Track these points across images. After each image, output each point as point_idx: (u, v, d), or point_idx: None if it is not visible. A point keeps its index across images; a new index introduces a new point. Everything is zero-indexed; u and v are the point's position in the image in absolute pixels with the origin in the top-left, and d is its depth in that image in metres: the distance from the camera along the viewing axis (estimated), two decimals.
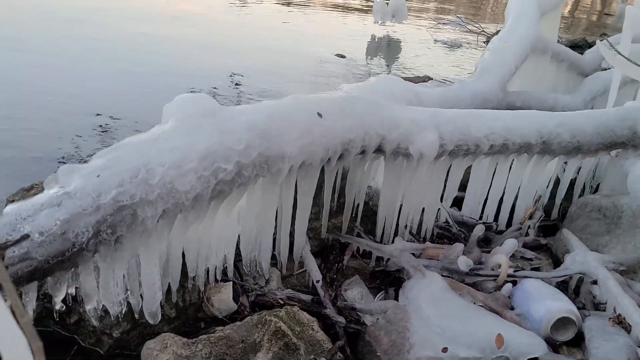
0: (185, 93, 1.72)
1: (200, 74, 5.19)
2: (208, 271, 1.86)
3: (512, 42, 3.20)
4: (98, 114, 3.80)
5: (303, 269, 2.11)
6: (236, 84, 4.97)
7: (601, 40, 2.88)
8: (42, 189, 1.51)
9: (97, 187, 1.41)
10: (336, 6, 10.90)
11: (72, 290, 1.58)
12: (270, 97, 4.51)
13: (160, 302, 1.68)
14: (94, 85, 4.42)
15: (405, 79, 3.23)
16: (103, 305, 1.57)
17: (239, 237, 1.92)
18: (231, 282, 1.93)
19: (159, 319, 1.69)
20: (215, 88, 4.75)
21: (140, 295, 1.64)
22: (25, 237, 1.31)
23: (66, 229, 1.34)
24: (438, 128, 2.01)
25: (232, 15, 8.90)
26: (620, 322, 1.74)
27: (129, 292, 1.62)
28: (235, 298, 1.92)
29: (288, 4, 10.29)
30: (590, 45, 6.52)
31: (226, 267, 1.93)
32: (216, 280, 1.91)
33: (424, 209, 2.28)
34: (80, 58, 5.17)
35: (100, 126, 3.64)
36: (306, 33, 7.82)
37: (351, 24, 9.36)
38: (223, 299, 1.90)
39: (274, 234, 1.97)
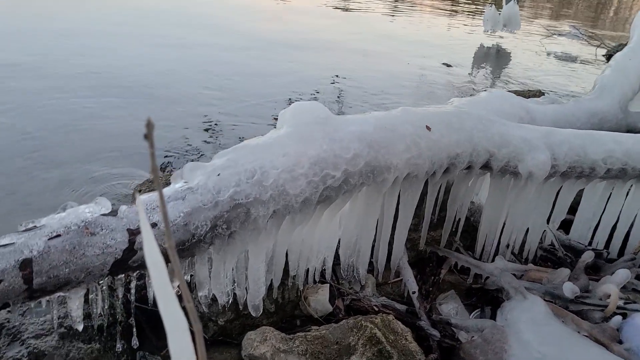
0: (300, 101, 1.79)
1: (305, 75, 5.34)
2: (308, 272, 1.94)
3: (637, 60, 3.01)
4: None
5: (399, 279, 2.13)
6: (339, 92, 5.07)
7: None
8: (167, 182, 1.66)
9: (217, 184, 1.52)
10: (443, 12, 10.72)
11: (187, 277, 1.72)
12: (373, 103, 4.57)
13: (263, 297, 1.78)
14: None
15: (516, 92, 3.14)
16: (213, 293, 1.69)
17: (339, 241, 1.98)
18: (328, 285, 2.00)
19: (261, 312, 1.79)
20: (317, 92, 4.87)
21: (246, 288, 1.75)
22: (154, 225, 1.44)
23: (188, 221, 1.47)
24: (551, 148, 1.95)
25: (336, 19, 9.04)
26: None
27: (236, 284, 1.73)
28: (331, 300, 1.98)
29: (394, 10, 10.28)
30: None
31: (324, 270, 2.00)
32: (314, 281, 1.99)
33: (528, 229, 2.21)
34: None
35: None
36: (410, 39, 7.78)
37: (458, 31, 9.18)
38: (320, 299, 1.96)
39: (373, 241, 2.01)
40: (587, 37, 8.76)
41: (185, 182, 1.56)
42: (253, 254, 1.67)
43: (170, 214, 1.46)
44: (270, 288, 1.85)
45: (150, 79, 4.65)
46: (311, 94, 4.75)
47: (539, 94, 3.60)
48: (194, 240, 1.49)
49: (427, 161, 1.81)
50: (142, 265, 1.48)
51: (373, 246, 2.03)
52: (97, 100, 4.00)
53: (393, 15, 9.69)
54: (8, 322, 1.59)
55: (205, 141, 3.56)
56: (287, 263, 1.86)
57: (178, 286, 0.47)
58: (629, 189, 2.21)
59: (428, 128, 1.81)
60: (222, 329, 1.82)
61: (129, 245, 1.41)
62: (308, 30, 7.51)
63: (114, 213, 1.45)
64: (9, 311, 1.61)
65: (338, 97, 4.83)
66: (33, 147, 3.15)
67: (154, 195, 1.53)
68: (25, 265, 1.30)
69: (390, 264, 2.09)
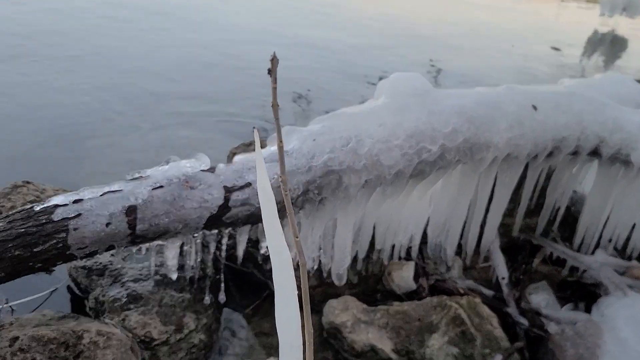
0: (399, 72, 1.76)
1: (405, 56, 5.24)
2: (394, 247, 1.92)
3: None
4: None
5: (487, 264, 2.06)
6: (436, 74, 4.94)
7: None
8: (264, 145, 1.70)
9: (312, 149, 1.53)
10: None
11: None
12: (472, 83, 4.42)
13: (347, 267, 1.78)
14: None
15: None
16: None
17: (428, 219, 1.94)
18: (413, 262, 1.97)
19: (344, 282, 1.79)
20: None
21: (331, 256, 1.76)
22: (248, 184, 1.49)
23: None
24: None
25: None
26: None
27: (322, 251, 1.75)
28: (415, 278, 1.95)
29: None
30: None
31: (411, 247, 1.97)
32: (399, 258, 1.96)
33: (634, 224, 2.05)
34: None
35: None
36: (518, 22, 7.39)
37: (571, 14, 8.60)
38: (403, 276, 1.94)
39: (464, 223, 1.95)
40: None
41: None
42: (341, 223, 1.67)
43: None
44: (355, 259, 1.85)
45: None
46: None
47: None
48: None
49: (529, 142, 1.72)
50: (235, 223, 1.53)
51: (463, 228, 1.97)
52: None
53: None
54: (111, 264, 1.71)
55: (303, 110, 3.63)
56: (373, 236, 1.85)
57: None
58: None
59: (534, 108, 1.71)
60: None
61: (224, 202, 1.46)
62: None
63: (212, 170, 1.50)
64: (112, 254, 1.73)
65: (435, 78, 4.71)
66: None
67: (250, 156, 1.57)
68: (131, 211, 1.38)
69: (480, 248, 2.02)
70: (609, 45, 6.93)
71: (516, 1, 8.97)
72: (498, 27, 7.25)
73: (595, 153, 1.82)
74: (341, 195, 1.58)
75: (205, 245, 1.68)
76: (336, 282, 1.79)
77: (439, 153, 1.61)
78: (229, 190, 1.47)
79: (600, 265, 1.86)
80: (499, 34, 6.71)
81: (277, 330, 0.48)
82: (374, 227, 1.82)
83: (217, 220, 1.49)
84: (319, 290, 1.86)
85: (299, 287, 0.48)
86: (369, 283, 1.95)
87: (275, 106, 0.44)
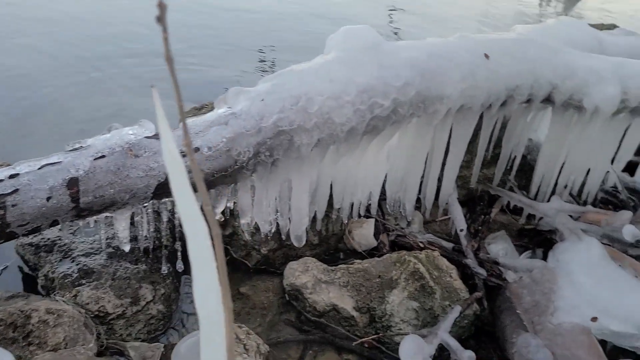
0: (350, 25, 1.70)
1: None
2: (353, 205, 1.90)
3: None
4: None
5: (447, 217, 2.07)
6: (394, 22, 4.87)
7: None
8: (212, 109, 1.63)
9: (261, 110, 1.48)
10: None
11: (230, 204, 1.72)
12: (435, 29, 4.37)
13: (306, 228, 1.76)
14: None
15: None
16: (255, 222, 1.68)
17: (386, 175, 1.92)
18: (373, 219, 1.96)
19: (304, 243, 1.78)
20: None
21: (289, 218, 1.73)
22: (196, 150, 1.43)
23: (230, 146, 1.44)
24: (622, 80, 1.78)
25: None
26: None
27: (279, 213, 1.71)
28: (376, 235, 1.95)
29: None
30: None
31: (370, 204, 1.96)
32: (359, 216, 1.95)
33: (589, 170, 2.08)
34: None
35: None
36: None
37: None
38: (364, 234, 1.93)
39: (422, 177, 1.94)
40: None
41: (229, 108, 1.52)
42: (296, 183, 1.64)
43: (212, 139, 1.44)
44: (314, 220, 1.83)
45: None
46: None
47: (613, 27, 3.31)
48: (237, 166, 1.47)
49: (483, 93, 1.70)
50: None
51: (421, 182, 1.96)
52: None
53: None
54: (60, 239, 1.64)
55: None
56: (332, 195, 1.82)
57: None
58: None
59: (486, 56, 1.68)
60: (265, 258, 1.82)
61: None
62: None
63: (157, 136, 1.44)
64: (60, 229, 1.66)
65: (391, 25, 4.64)
66: None
67: (197, 120, 1.51)
68: (72, 183, 1.32)
69: (438, 201, 2.03)
70: None
71: None
72: None
73: (548, 100, 1.82)
74: (294, 156, 1.54)
75: (158, 214, 1.62)
76: (296, 244, 1.77)
77: (392, 108, 1.58)
78: None
79: (555, 212, 1.88)
80: None
81: (196, 307, 0.44)
82: (332, 186, 1.80)
83: (167, 188, 1.43)
84: (279, 252, 1.84)
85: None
86: (330, 242, 1.93)
87: (169, 60, 0.39)
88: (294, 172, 1.60)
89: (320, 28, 4.33)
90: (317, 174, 1.69)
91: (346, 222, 1.93)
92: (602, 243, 1.75)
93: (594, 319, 1.45)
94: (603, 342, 1.46)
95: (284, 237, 1.77)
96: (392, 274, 1.66)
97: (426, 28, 4.64)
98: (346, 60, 1.59)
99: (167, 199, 1.55)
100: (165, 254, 1.71)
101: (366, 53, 1.62)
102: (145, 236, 1.62)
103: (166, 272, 1.65)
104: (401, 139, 1.81)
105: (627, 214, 1.86)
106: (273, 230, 1.72)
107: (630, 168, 2.24)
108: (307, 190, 1.68)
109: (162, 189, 1.42)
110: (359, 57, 1.60)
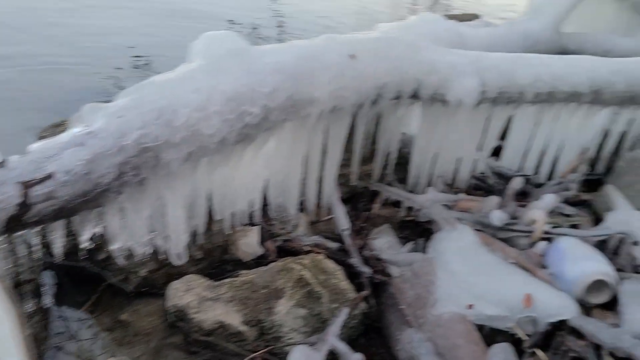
0: (213, 31, 1.64)
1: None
2: (234, 215, 1.85)
3: None
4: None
5: (332, 216, 2.08)
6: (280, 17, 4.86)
7: None
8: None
9: (120, 127, 1.38)
10: None
11: (99, 229, 1.60)
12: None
13: (187, 244, 1.68)
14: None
15: (450, 17, 3.04)
16: (129, 245, 1.58)
17: (266, 181, 1.89)
18: (257, 227, 1.92)
19: (185, 260, 1.70)
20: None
21: (166, 237, 1.64)
22: (49, 176, 1.30)
23: (89, 169, 1.33)
24: (480, 74, 1.88)
25: None
26: None
27: (155, 232, 1.62)
28: (263, 242, 1.91)
29: None
30: None
31: (253, 212, 1.91)
32: (243, 224, 1.90)
33: (460, 158, 2.18)
34: None
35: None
36: None
37: None
38: (249, 242, 1.89)
39: (302, 179, 1.92)
40: None
41: (86, 126, 1.40)
42: (170, 200, 1.56)
43: (67, 163, 1.32)
44: (195, 234, 1.75)
45: None
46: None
47: (473, 18, 3.51)
48: (99, 189, 1.36)
49: (352, 92, 1.71)
50: (42, 221, 1.35)
51: (303, 185, 1.95)
52: None
53: None
54: None
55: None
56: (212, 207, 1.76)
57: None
58: (559, 114, 2.19)
59: (352, 57, 1.69)
60: (146, 280, 1.72)
61: (23, 200, 1.27)
62: None
63: (2, 164, 1.29)
64: None
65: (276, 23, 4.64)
66: None
67: (49, 142, 1.37)
68: None
69: (321, 202, 2.03)
70: None
71: None
72: None
73: (416, 96, 1.87)
74: (163, 173, 1.46)
75: (12, 248, 1.47)
76: (176, 262, 1.69)
77: (262, 115, 1.54)
78: (27, 185, 1.28)
79: (431, 203, 1.95)
80: None
81: None
82: (210, 199, 1.73)
83: (18, 221, 1.29)
84: (160, 273, 1.75)
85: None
86: (215, 255, 1.87)
87: None
88: (166, 189, 1.51)
89: None
90: (191, 187, 1.61)
91: (230, 232, 1.87)
92: (476, 229, 1.84)
93: (470, 306, 1.52)
94: (481, 327, 1.54)
95: (162, 256, 1.68)
96: (278, 283, 1.63)
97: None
98: (210, 69, 1.53)
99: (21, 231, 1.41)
100: (30, 289, 1.56)
101: (231, 60, 1.57)
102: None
103: (31, 310, 1.50)
104: (278, 144, 1.78)
105: (494, 199, 1.98)
106: (149, 252, 1.63)
107: (497, 153, 2.37)
108: (182, 205, 1.60)
109: (14, 222, 1.29)
110: (223, 65, 1.54)
